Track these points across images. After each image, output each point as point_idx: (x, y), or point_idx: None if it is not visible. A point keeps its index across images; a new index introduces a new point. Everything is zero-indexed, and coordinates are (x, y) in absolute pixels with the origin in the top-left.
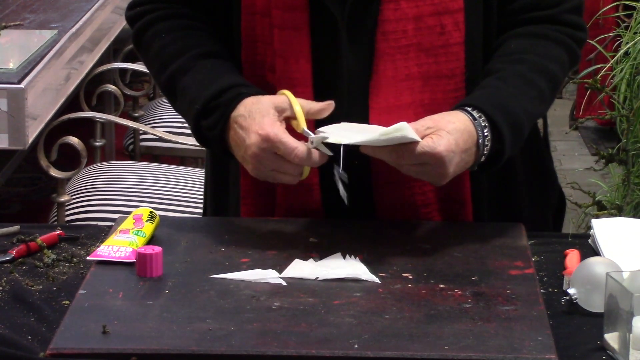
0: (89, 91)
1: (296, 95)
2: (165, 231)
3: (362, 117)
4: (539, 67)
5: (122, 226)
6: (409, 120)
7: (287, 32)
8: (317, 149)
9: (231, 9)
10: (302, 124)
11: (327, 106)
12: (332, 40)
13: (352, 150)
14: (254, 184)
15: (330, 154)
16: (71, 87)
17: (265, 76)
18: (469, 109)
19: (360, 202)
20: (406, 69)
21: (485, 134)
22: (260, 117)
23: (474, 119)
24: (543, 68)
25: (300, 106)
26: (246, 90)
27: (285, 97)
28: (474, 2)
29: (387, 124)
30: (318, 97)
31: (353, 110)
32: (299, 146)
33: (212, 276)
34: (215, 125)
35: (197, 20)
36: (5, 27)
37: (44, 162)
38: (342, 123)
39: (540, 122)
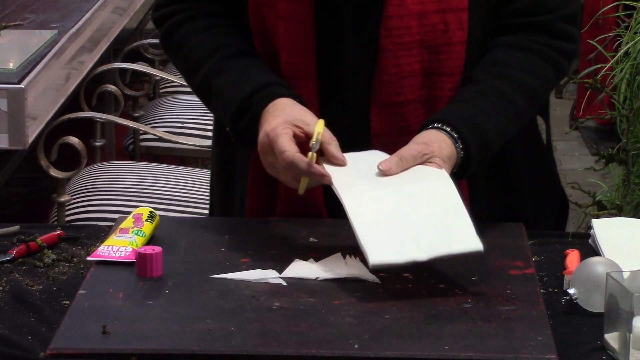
0: (89, 91)
1: (300, 88)
2: (165, 231)
3: (363, 111)
4: (520, 84)
5: (122, 226)
6: (408, 116)
7: (292, 25)
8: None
9: (241, 2)
10: (312, 140)
11: (340, 160)
12: (337, 34)
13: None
14: (261, 174)
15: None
16: (71, 87)
17: (280, 68)
18: (447, 129)
19: None
20: (409, 66)
21: (461, 154)
22: (273, 118)
23: (455, 141)
24: (525, 85)
25: (320, 132)
26: (279, 90)
27: (315, 118)
28: (477, 2)
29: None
30: (322, 91)
31: (355, 104)
32: (288, 150)
33: (212, 276)
34: (249, 126)
35: (223, 17)
36: (5, 27)
37: (44, 162)
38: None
39: (542, 125)
